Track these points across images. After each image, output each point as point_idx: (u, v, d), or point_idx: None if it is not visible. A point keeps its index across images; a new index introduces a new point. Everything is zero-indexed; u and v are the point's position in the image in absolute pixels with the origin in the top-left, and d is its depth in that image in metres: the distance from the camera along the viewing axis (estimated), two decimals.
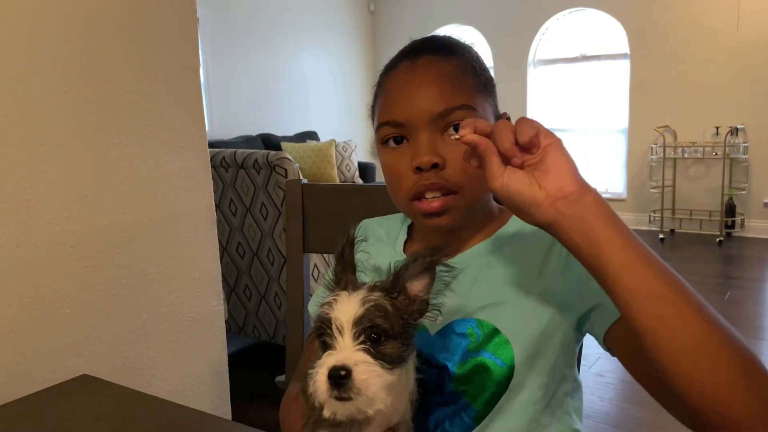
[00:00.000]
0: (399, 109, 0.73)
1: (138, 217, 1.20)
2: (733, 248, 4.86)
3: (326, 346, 0.59)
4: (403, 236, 0.86)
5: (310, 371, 0.59)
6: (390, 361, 0.58)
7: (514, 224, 0.78)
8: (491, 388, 0.73)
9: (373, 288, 0.60)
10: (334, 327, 0.58)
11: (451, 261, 0.75)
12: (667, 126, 5.34)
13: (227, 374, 1.41)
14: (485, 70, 0.78)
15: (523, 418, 0.74)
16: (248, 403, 1.90)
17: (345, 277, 0.66)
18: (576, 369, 0.80)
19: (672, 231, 5.46)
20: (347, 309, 0.58)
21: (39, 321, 1.06)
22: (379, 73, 0.79)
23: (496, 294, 0.74)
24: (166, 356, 1.26)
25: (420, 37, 0.81)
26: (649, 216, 5.52)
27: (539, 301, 0.72)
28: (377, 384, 0.57)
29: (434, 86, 0.72)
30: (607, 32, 5.74)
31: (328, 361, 0.57)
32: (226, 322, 1.41)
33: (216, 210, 2.71)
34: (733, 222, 5.12)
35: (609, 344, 0.69)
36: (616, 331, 0.67)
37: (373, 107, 0.79)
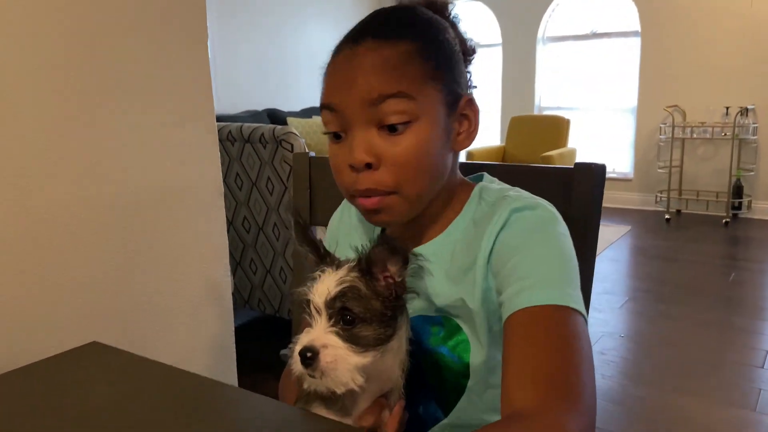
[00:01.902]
0: (335, 94, 0.70)
1: (145, 189, 1.20)
2: (739, 230, 4.84)
3: (308, 323, 0.61)
4: None
5: (291, 346, 0.61)
6: (364, 345, 0.59)
7: (468, 212, 0.76)
8: (450, 384, 0.75)
9: (352, 268, 0.61)
10: (312, 307, 0.60)
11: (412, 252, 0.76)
12: (676, 105, 5.30)
13: (234, 347, 1.43)
14: (443, 50, 0.72)
15: (494, 413, 0.74)
16: (253, 375, 1.93)
17: (328, 256, 0.66)
18: None
19: (678, 211, 5.45)
20: (323, 290, 0.60)
21: (48, 290, 1.07)
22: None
23: (455, 291, 0.72)
24: (173, 328, 1.28)
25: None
26: (656, 196, 5.50)
27: (488, 297, 0.70)
28: (343, 367, 0.58)
29: (370, 73, 0.67)
30: (618, 9, 5.66)
31: (303, 339, 0.59)
32: (231, 295, 1.42)
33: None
34: (740, 203, 5.10)
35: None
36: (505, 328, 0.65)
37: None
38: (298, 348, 0.59)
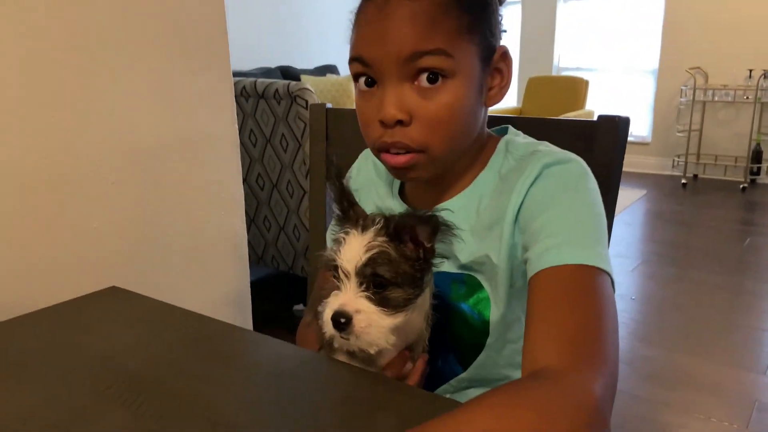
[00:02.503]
0: (367, 47, 0.66)
1: (163, 136, 1.20)
2: (756, 195, 4.78)
3: (336, 284, 0.61)
4: None
5: (320, 309, 0.62)
6: (395, 306, 0.60)
7: (494, 166, 0.74)
8: (470, 340, 0.75)
9: (379, 231, 0.60)
10: (340, 271, 0.60)
11: (437, 208, 0.75)
12: (698, 67, 5.16)
13: (249, 296, 1.44)
14: (477, 1, 0.68)
15: (511, 368, 0.75)
16: (267, 330, 1.96)
17: (352, 210, 0.65)
18: None
19: (695, 176, 5.38)
20: (352, 255, 0.59)
21: (67, 234, 1.08)
22: None
23: (480, 246, 0.72)
24: (190, 276, 1.29)
25: None
26: (673, 160, 5.42)
27: (513, 253, 0.69)
28: (377, 331, 0.60)
29: (404, 27, 0.63)
30: None
31: (333, 302, 0.60)
32: None
33: None
34: (759, 168, 5.02)
35: None
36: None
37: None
38: (329, 312, 0.60)
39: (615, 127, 0.82)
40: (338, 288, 0.61)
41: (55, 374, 0.65)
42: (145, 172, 1.18)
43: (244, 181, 2.66)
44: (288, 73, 5.01)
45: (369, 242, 0.59)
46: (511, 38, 6.13)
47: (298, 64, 5.28)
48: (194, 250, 1.28)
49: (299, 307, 2.55)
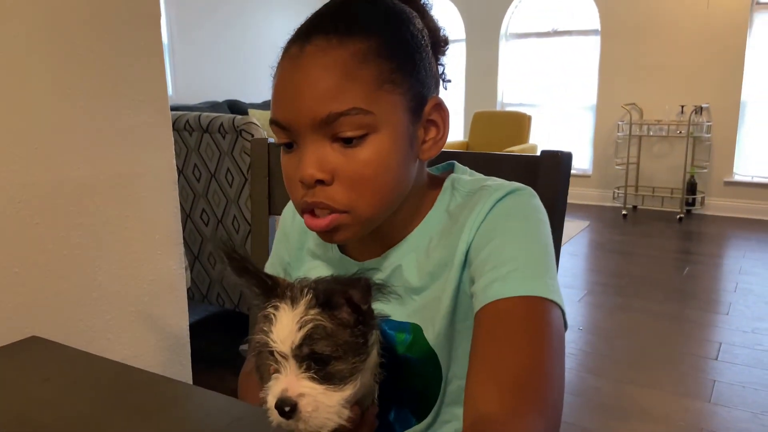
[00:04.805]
0: (282, 109, 0.63)
1: (94, 174, 1.13)
2: (693, 225, 4.99)
3: (273, 367, 0.56)
4: None
5: (262, 394, 0.56)
6: (341, 378, 0.55)
7: (441, 205, 0.71)
8: (423, 392, 0.71)
9: (310, 303, 0.55)
10: (276, 354, 0.55)
11: (382, 257, 0.71)
12: (633, 103, 5.41)
13: (188, 339, 1.37)
14: (406, 46, 0.64)
15: (455, 406, 0.72)
16: (211, 371, 1.88)
17: (277, 287, 0.59)
18: None
19: (634, 207, 5.58)
20: (285, 334, 0.54)
21: None
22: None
23: (431, 289, 0.68)
24: (124, 320, 1.21)
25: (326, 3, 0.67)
26: (613, 192, 5.61)
27: (463, 290, 0.66)
28: (327, 411, 0.55)
29: (318, 84, 0.60)
30: (579, 7, 5.75)
31: (275, 388, 0.54)
32: (189, 290, 1.36)
33: (179, 175, 2.62)
34: (694, 200, 5.25)
35: None
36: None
37: None
38: (272, 400, 0.54)
39: (558, 161, 0.82)
40: (277, 370, 0.55)
41: None
42: (73, 212, 1.11)
43: (188, 217, 2.58)
44: (235, 107, 4.96)
45: (301, 317, 0.54)
46: (456, 75, 6.29)
47: (246, 98, 5.24)
48: (128, 293, 1.21)
49: (245, 346, 2.46)
